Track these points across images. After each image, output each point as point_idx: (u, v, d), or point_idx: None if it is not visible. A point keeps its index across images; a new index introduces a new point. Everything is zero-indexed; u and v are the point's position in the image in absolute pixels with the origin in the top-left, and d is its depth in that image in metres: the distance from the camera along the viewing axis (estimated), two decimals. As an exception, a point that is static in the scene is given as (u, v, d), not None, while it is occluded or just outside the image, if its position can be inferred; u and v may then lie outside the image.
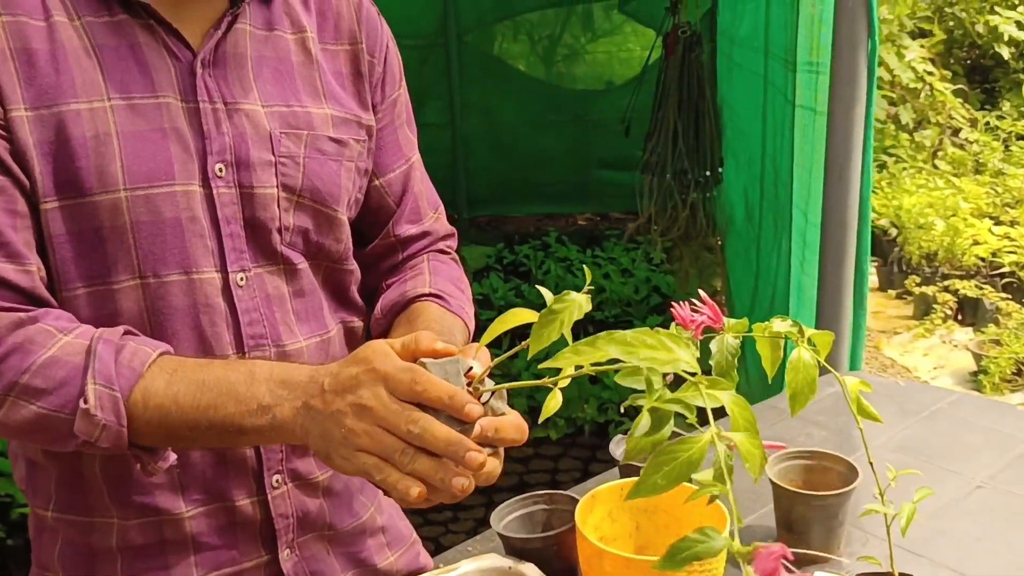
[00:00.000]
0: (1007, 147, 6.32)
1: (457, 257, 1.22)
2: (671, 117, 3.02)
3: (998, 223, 5.01)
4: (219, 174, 0.96)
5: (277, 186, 0.99)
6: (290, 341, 1.04)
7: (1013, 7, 7.20)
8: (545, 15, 5.88)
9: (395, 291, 1.14)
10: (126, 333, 0.89)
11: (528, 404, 3.61)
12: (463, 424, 0.83)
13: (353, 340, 1.15)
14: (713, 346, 1.04)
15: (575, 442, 3.48)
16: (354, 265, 1.12)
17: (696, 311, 1.04)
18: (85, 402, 0.84)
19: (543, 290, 0.79)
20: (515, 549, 1.22)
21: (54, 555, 1.03)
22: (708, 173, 3.11)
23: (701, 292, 1.02)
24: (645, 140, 3.18)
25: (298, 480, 1.08)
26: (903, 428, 1.62)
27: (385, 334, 1.14)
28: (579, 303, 0.77)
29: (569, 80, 5.86)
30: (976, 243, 4.62)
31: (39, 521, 1.04)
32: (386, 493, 0.84)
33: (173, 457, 0.92)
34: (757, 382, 3.34)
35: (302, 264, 1.04)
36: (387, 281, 1.17)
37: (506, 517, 1.25)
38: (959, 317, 4.31)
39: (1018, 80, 7.06)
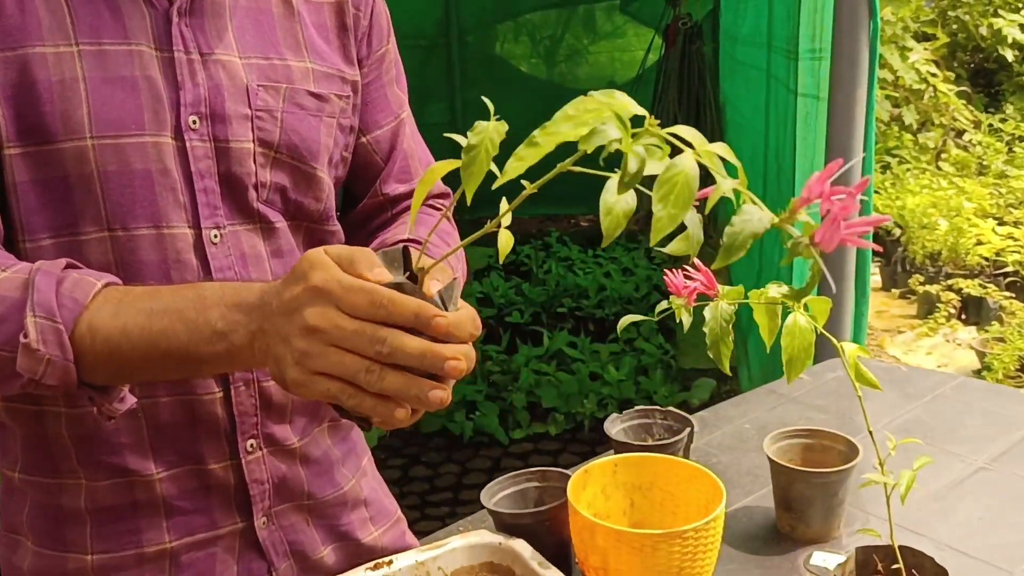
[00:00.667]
0: (1011, 149, 6.30)
1: (451, 217, 1.19)
2: (671, 109, 3.00)
3: (1001, 223, 4.99)
4: (193, 126, 0.94)
5: (253, 140, 0.97)
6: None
7: (1016, 10, 7.18)
8: (547, 16, 5.87)
9: (375, 240, 1.12)
10: (68, 267, 0.85)
11: (528, 400, 3.59)
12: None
13: None
14: (707, 313, 1.02)
15: (575, 437, 3.45)
16: (336, 227, 1.09)
17: (689, 277, 1.02)
18: (25, 336, 0.79)
19: (456, 137, 0.70)
20: (506, 525, 1.19)
21: (23, 518, 1.01)
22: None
23: (695, 260, 1.00)
24: (645, 134, 3.16)
25: (273, 446, 1.05)
26: (905, 411, 1.59)
27: None
28: (493, 128, 0.68)
29: (571, 80, 5.85)
30: (980, 243, 4.60)
31: (7, 483, 1.02)
32: (362, 425, 0.80)
33: (131, 399, 0.87)
34: (759, 374, 3.32)
35: (280, 223, 1.02)
36: (373, 236, 1.15)
37: (497, 494, 1.22)
38: (963, 316, 4.29)
39: (1021, 83, 7.04)
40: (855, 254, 1.90)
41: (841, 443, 1.28)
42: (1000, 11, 7.11)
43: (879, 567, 1.03)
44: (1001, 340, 3.71)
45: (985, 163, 6.20)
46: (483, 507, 1.20)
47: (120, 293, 0.84)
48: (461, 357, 0.75)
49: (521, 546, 1.11)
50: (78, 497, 0.98)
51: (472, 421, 3.42)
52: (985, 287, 4.18)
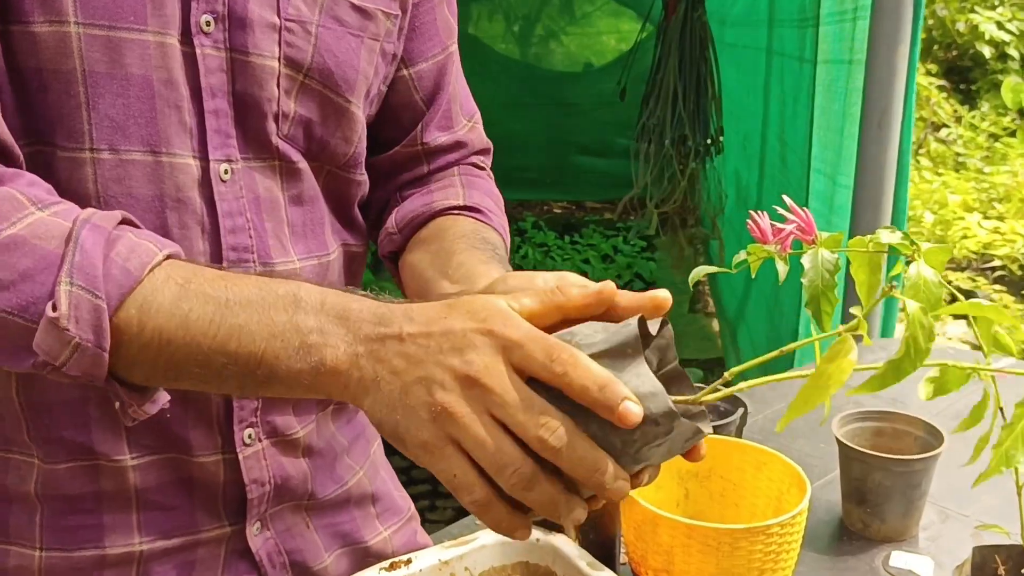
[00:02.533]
0: (994, 143, 6.27)
1: (491, 175, 1.01)
2: (671, 78, 2.84)
3: (986, 218, 4.92)
4: (205, 28, 0.74)
5: (279, 58, 0.78)
6: (281, 259, 0.82)
7: (993, 7, 7.16)
8: (523, -6, 5.70)
9: (417, 201, 0.92)
10: (124, 222, 0.66)
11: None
12: (614, 430, 0.57)
13: (354, 268, 0.93)
14: (806, 262, 0.85)
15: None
16: (364, 176, 0.90)
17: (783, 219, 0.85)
18: (55, 308, 0.60)
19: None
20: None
21: None
22: (709, 141, 2.94)
23: (787, 198, 0.83)
24: (643, 103, 3.00)
25: (274, 436, 0.86)
26: (962, 396, 1.44)
27: (397, 255, 0.92)
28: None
29: (546, 63, 5.68)
30: (966, 236, 4.51)
31: None
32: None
33: (165, 398, 0.68)
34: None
35: (302, 164, 0.83)
36: (402, 193, 0.95)
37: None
38: (952, 309, 4.19)
39: (996, 81, 7.01)
40: (889, 217, 1.75)
41: (918, 427, 1.12)
42: (977, 8, 7.08)
43: (1001, 570, 0.86)
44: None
45: (962, 158, 6.15)
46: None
47: (187, 271, 0.65)
48: (628, 479, 0.59)
49: (563, 542, 0.93)
50: (27, 478, 0.78)
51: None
52: (975, 280, 4.09)
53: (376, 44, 0.85)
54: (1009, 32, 6.92)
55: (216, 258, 0.78)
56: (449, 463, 0.58)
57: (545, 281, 0.67)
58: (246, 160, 0.78)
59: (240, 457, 0.83)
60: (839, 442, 1.09)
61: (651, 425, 0.58)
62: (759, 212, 0.88)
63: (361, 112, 0.85)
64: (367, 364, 0.60)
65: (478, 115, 1.00)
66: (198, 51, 0.74)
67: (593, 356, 0.58)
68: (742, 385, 0.65)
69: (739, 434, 1.19)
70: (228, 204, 0.78)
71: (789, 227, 0.84)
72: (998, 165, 5.96)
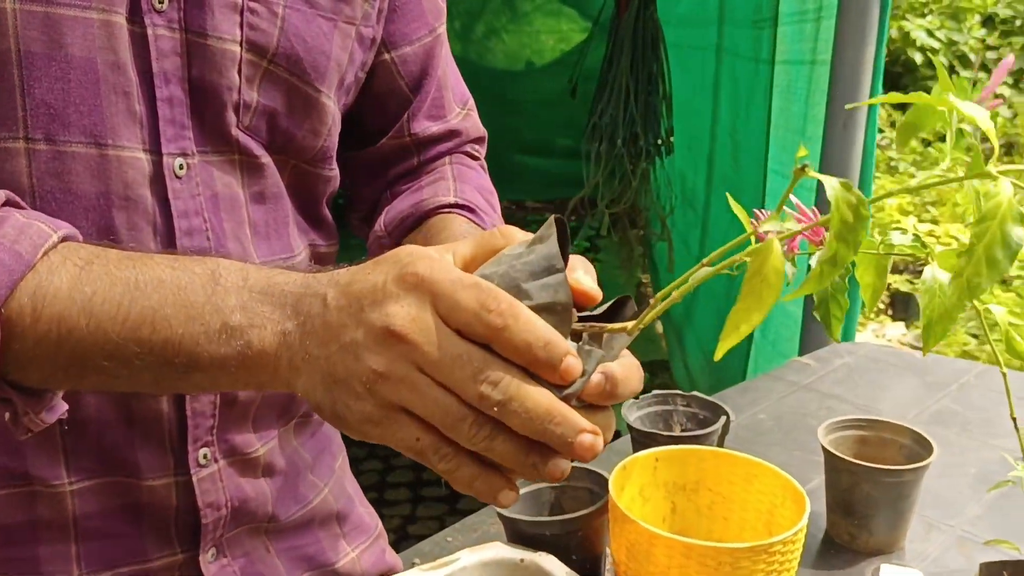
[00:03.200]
0: (926, 147, 6.39)
1: (485, 165, 0.94)
2: (623, 77, 2.80)
3: (920, 221, 5.01)
4: (158, 6, 0.67)
5: (241, 41, 0.70)
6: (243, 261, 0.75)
7: (922, 15, 7.31)
8: (464, -9, 5.62)
9: (406, 200, 0.85)
10: (7, 203, 0.59)
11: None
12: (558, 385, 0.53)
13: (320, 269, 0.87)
14: (814, 263, 0.81)
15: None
16: (334, 171, 0.83)
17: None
18: None
19: None
20: (523, 537, 0.95)
21: None
22: (659, 141, 2.91)
23: (793, 198, 0.78)
24: (593, 102, 2.95)
25: (232, 456, 0.79)
26: (934, 401, 1.42)
27: None
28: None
29: (488, 60, 5.60)
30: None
31: None
32: (446, 484, 0.55)
33: (63, 406, 0.61)
34: (698, 368, 3.17)
35: (264, 158, 0.75)
36: (393, 190, 0.88)
37: (510, 496, 0.99)
38: (891, 311, 4.25)
39: (928, 87, 7.15)
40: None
41: (904, 435, 1.09)
42: (908, 15, 7.22)
43: (1008, 588, 0.83)
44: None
45: (895, 162, 6.27)
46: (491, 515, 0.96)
47: (88, 252, 0.57)
48: (599, 431, 0.52)
49: (549, 562, 0.88)
50: None
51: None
52: (912, 283, 4.15)
53: (352, 28, 0.78)
54: (938, 40, 7.07)
55: None
56: (404, 431, 0.52)
57: None
58: (203, 154, 0.71)
59: (194, 479, 0.76)
60: (826, 452, 1.05)
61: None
62: (762, 211, 0.84)
63: (333, 103, 0.78)
64: (295, 341, 0.53)
65: (472, 101, 0.93)
66: (149, 31, 0.66)
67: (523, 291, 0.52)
68: (669, 301, 0.57)
69: (721, 443, 1.15)
70: (183, 203, 0.70)
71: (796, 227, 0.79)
72: (929, 169, 6.07)
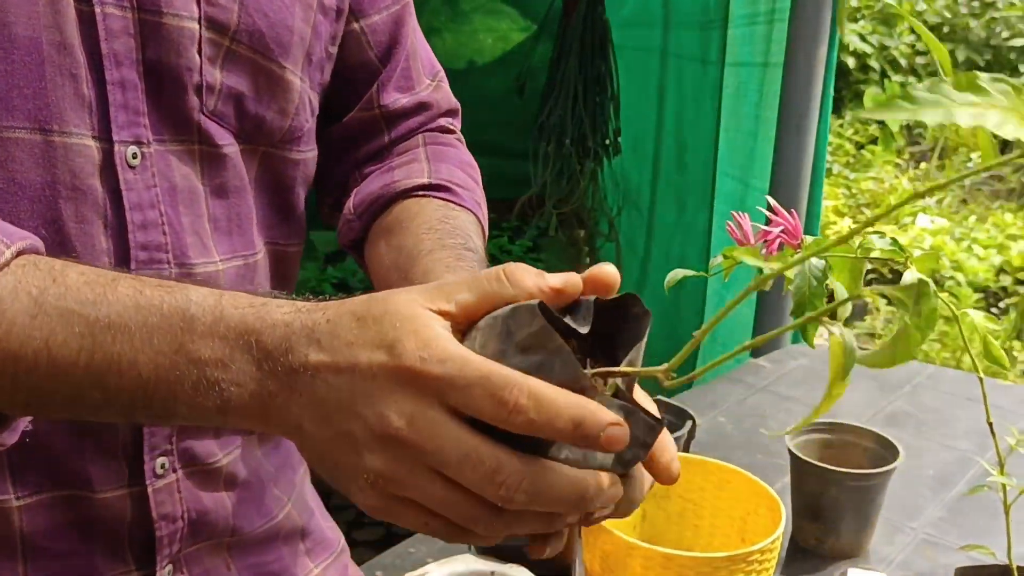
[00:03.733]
0: (858, 150, 6.52)
1: (463, 138, 0.90)
2: (572, 82, 2.79)
3: (855, 222, 5.10)
4: None
5: (199, 19, 0.66)
6: (201, 259, 0.70)
7: (855, 20, 7.46)
8: (405, -10, 5.57)
9: (376, 181, 0.81)
10: None
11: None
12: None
13: (284, 270, 0.82)
14: (792, 269, 0.80)
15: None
16: (304, 154, 0.78)
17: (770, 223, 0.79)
18: None
19: None
20: (491, 548, 0.93)
21: None
22: (607, 142, 2.90)
23: (770, 199, 0.77)
24: (542, 102, 2.94)
25: (192, 466, 0.74)
26: (888, 403, 1.43)
27: (359, 244, 0.81)
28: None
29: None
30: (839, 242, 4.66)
31: None
32: None
33: (23, 422, 0.56)
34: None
35: (230, 147, 0.70)
36: (362, 171, 0.84)
37: (478, 506, 0.96)
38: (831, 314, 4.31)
39: (859, 91, 7.30)
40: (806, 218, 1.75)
41: (868, 439, 1.09)
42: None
43: (982, 592, 0.83)
44: (871, 335, 3.73)
45: (829, 164, 6.38)
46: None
47: (42, 276, 0.51)
48: (616, 501, 0.49)
49: (520, 574, 0.86)
50: None
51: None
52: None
53: None
54: (870, 44, 7.23)
55: (123, 258, 0.65)
56: (413, 518, 0.48)
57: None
58: (160, 142, 0.66)
59: (149, 490, 0.71)
60: (793, 456, 1.05)
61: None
62: (740, 214, 0.82)
63: (299, 80, 0.74)
64: (283, 402, 0.48)
65: (442, 73, 0.89)
66: (97, 10, 0.62)
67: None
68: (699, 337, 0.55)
69: (687, 448, 1.14)
70: (137, 195, 0.65)
71: (776, 230, 0.78)
72: (862, 172, 6.20)
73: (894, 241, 0.82)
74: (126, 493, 0.70)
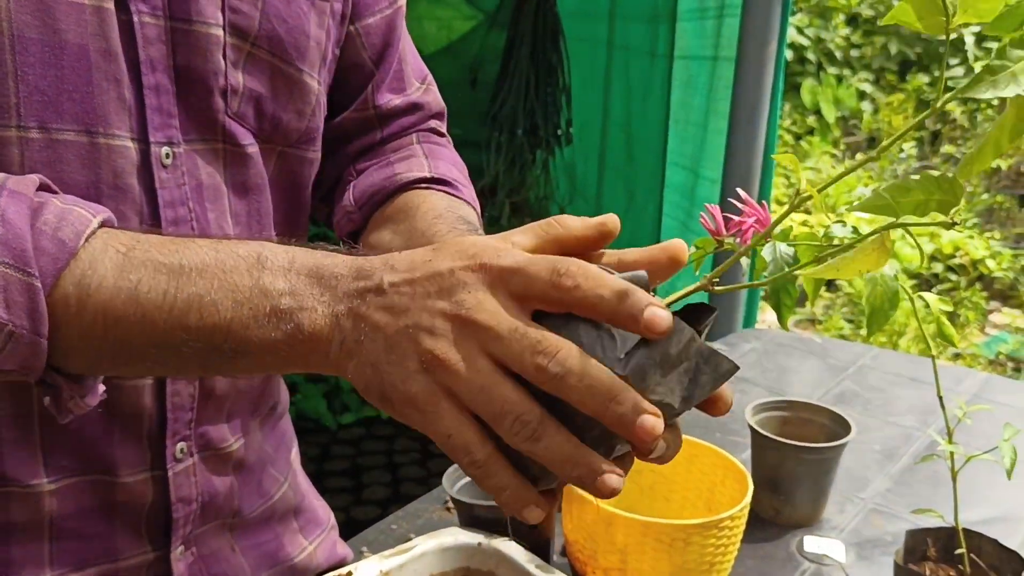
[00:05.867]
0: (796, 141, 6.68)
1: (451, 141, 0.94)
2: (525, 70, 2.83)
3: (796, 212, 5.23)
4: None
5: (224, 26, 0.69)
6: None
7: (792, 13, 7.62)
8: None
9: (376, 174, 0.84)
10: (41, 187, 0.56)
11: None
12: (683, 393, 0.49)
13: None
14: (766, 255, 0.86)
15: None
16: (317, 153, 0.82)
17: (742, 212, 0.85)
18: None
19: None
20: (478, 520, 0.98)
21: None
22: (559, 132, 2.95)
23: (741, 191, 0.82)
24: (494, 92, 2.98)
25: (207, 450, 0.78)
26: (836, 383, 1.51)
27: (357, 234, 0.85)
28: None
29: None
30: (780, 229, 4.80)
31: None
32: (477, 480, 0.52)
33: (101, 389, 0.59)
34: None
35: (251, 147, 0.74)
36: (357, 166, 0.87)
37: (461, 479, 1.01)
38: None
39: (796, 83, 7.47)
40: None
41: (824, 416, 1.16)
42: (778, 13, 7.51)
43: (930, 551, 0.90)
44: (812, 321, 3.85)
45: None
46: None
47: (128, 237, 0.55)
48: (660, 415, 0.48)
49: (509, 547, 0.90)
50: None
51: (294, 405, 3.11)
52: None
53: (326, 5, 0.78)
54: (807, 37, 7.39)
55: None
56: (443, 419, 0.50)
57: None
58: (189, 143, 0.70)
59: (170, 474, 0.75)
60: (753, 432, 1.11)
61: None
62: (712, 205, 0.88)
63: (315, 82, 0.78)
64: (348, 324, 0.52)
65: (430, 77, 0.93)
66: (135, 18, 0.65)
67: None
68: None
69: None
70: (169, 192, 0.69)
71: (749, 220, 0.84)
72: (801, 162, 6.36)
73: (855, 229, 0.89)
74: (148, 477, 0.73)
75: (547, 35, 2.86)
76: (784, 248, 0.86)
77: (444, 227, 0.74)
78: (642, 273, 0.52)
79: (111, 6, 0.63)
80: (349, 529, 1.06)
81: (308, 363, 0.54)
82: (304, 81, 0.76)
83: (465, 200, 0.82)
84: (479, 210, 0.85)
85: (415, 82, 0.90)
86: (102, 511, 0.72)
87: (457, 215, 0.76)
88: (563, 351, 0.48)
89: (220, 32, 0.69)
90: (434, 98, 0.92)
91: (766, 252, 0.85)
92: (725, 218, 0.80)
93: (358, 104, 0.86)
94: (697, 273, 0.86)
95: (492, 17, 3.11)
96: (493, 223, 3.94)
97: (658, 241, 0.58)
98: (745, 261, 0.86)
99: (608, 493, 0.49)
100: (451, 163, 0.87)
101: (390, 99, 0.87)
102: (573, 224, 0.54)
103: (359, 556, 1.06)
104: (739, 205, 0.83)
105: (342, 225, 0.84)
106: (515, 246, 0.53)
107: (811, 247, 0.90)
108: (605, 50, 3.11)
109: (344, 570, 0.86)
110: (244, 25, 0.70)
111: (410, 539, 0.97)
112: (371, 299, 0.52)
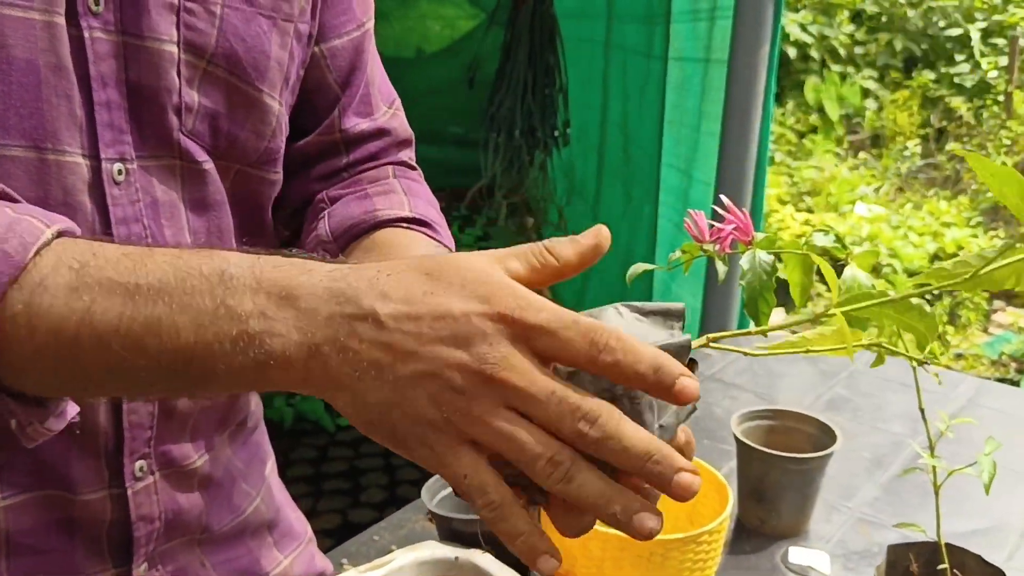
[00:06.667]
0: (799, 139, 6.65)
1: (422, 174, 0.93)
2: (522, 73, 2.82)
3: (797, 210, 5.22)
4: (94, 8, 0.64)
5: (179, 42, 0.68)
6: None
7: (796, 10, 7.59)
8: (351, -27, 5.53)
9: (355, 207, 0.82)
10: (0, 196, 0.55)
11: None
12: (661, 422, 0.51)
13: None
14: (744, 263, 0.85)
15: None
16: (278, 175, 0.80)
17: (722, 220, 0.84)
18: None
19: None
20: (455, 534, 0.97)
21: None
22: (556, 132, 2.94)
23: (724, 198, 0.81)
24: (492, 93, 2.97)
25: (169, 467, 0.77)
26: (827, 389, 1.50)
27: None
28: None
29: (378, 44, 5.54)
30: (783, 228, 4.77)
31: None
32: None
33: (72, 411, 0.57)
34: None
35: (208, 163, 0.73)
36: (330, 193, 0.86)
37: (440, 492, 1.00)
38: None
39: (799, 80, 7.44)
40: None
41: (810, 425, 1.15)
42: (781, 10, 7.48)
43: (913, 567, 0.89)
44: (813, 322, 3.83)
45: (771, 153, 6.49)
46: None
47: (83, 250, 0.52)
48: (697, 471, 0.49)
49: (485, 560, 0.89)
50: None
51: (292, 407, 3.10)
52: (791, 270, 4.31)
53: (290, 26, 0.77)
54: (811, 35, 7.36)
55: None
56: (460, 463, 0.48)
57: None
58: (142, 159, 0.69)
59: (129, 492, 0.74)
60: (738, 441, 1.10)
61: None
62: (696, 212, 0.87)
63: (276, 103, 0.77)
64: (333, 354, 0.48)
65: (399, 102, 0.92)
66: (86, 34, 0.64)
67: None
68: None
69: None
70: (122, 209, 0.68)
71: (728, 227, 0.83)
72: (804, 160, 6.33)
73: (837, 238, 0.87)
74: (107, 495, 0.72)
75: (544, 36, 2.85)
76: (763, 256, 0.85)
77: None
78: (687, 337, 0.52)
79: (62, 21, 0.62)
80: (346, 531, 1.06)
81: (287, 387, 0.51)
82: (264, 101, 0.75)
83: (444, 245, 0.82)
84: (453, 249, 0.84)
85: (383, 106, 0.89)
86: (60, 527, 0.72)
87: None
88: (603, 416, 0.47)
89: (174, 49, 0.68)
90: (401, 124, 0.91)
91: (744, 260, 0.84)
92: (709, 224, 0.79)
93: (323, 128, 0.84)
94: (687, 274, 0.85)
95: (491, 15, 3.10)
96: (491, 223, 3.93)
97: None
98: (723, 269, 0.85)
99: (646, 534, 0.48)
100: (428, 202, 0.86)
101: (356, 123, 0.85)
102: (566, 253, 0.53)
103: (340, 569, 1.05)
104: (722, 213, 0.82)
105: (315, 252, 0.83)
106: (508, 273, 0.51)
107: (795, 255, 0.89)
108: (603, 50, 3.10)
109: (319, 585, 0.85)
110: (199, 43, 0.69)
111: (391, 551, 0.96)
112: (364, 331, 0.49)
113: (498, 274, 0.50)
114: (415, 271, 0.50)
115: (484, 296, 0.48)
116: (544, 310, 0.49)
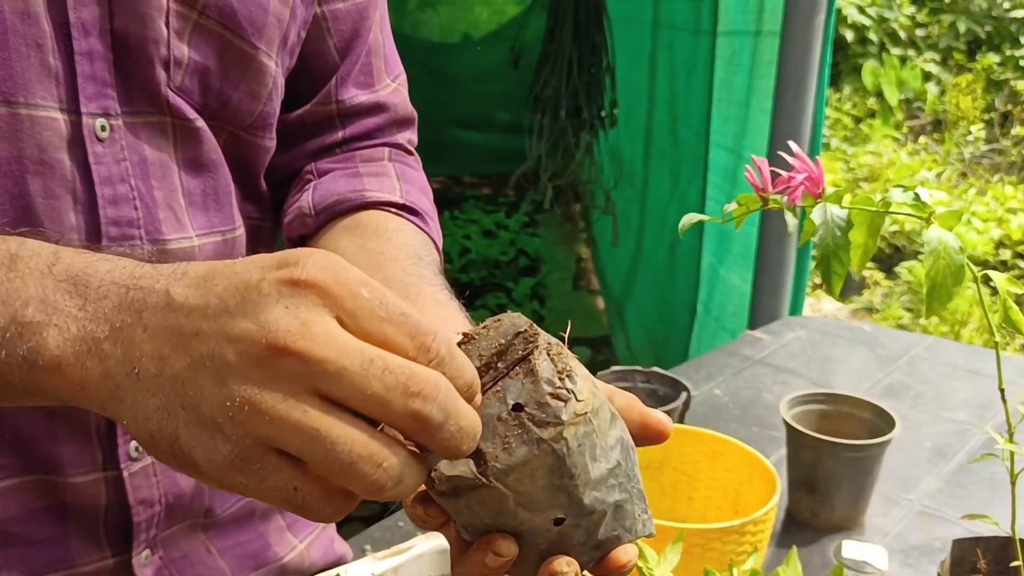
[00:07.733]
0: (856, 124, 6.48)
1: (419, 158, 0.87)
2: (567, 48, 2.75)
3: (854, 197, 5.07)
4: None
5: None
6: (176, 235, 0.67)
7: (852, -10, 7.40)
8: (399, -42, 5.51)
9: (342, 183, 0.77)
10: None
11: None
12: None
13: (258, 244, 0.79)
14: (816, 217, 0.77)
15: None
16: (272, 141, 0.75)
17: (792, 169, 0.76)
18: None
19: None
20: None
21: None
22: (603, 113, 2.87)
23: (792, 144, 0.73)
24: (536, 73, 2.90)
25: None
26: (885, 374, 1.41)
27: (305, 239, 0.78)
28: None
29: (424, 32, 5.49)
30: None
31: None
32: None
33: None
34: (640, 345, 3.16)
35: (199, 122, 0.68)
36: (319, 165, 0.80)
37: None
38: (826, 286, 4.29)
39: (856, 64, 7.25)
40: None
41: (865, 409, 1.07)
42: (839, -8, 7.30)
43: (981, 563, 0.81)
44: (869, 310, 3.71)
45: (827, 139, 6.33)
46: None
47: None
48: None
49: (510, 548, 0.83)
50: None
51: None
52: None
53: None
54: (869, 17, 7.16)
55: (93, 234, 0.63)
56: (276, 478, 0.39)
57: None
58: (128, 115, 0.64)
59: (125, 474, 0.69)
60: (788, 427, 1.03)
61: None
62: (759, 158, 0.79)
63: (273, 63, 0.71)
64: (112, 351, 0.40)
65: (403, 77, 0.86)
66: None
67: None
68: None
69: (682, 420, 1.12)
70: (107, 168, 0.63)
71: (799, 176, 0.74)
72: (861, 146, 6.16)
73: (916, 196, 0.78)
74: (100, 477, 0.68)
75: (590, 14, 2.77)
76: (836, 210, 0.77)
77: (413, 269, 0.69)
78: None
79: None
80: (359, 521, 1.01)
81: (59, 396, 0.43)
82: (259, 60, 0.69)
83: (432, 237, 0.77)
84: (440, 244, 0.79)
85: (386, 79, 0.82)
86: (52, 514, 0.67)
87: (431, 258, 0.71)
88: (442, 391, 0.38)
89: None
90: (402, 101, 0.85)
91: (816, 214, 0.76)
92: (773, 174, 0.71)
93: (320, 97, 0.78)
94: (737, 230, 0.78)
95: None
96: (537, 208, 3.86)
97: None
98: (793, 222, 0.76)
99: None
100: (420, 189, 0.80)
101: (355, 95, 0.80)
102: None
103: (361, 554, 1.00)
104: (789, 159, 0.74)
105: (293, 227, 0.78)
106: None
107: (864, 212, 0.80)
108: (650, 29, 3.01)
109: (333, 572, 0.80)
110: None
111: (416, 536, 0.91)
112: (150, 317, 0.40)
113: (330, 258, 0.40)
114: (237, 259, 0.42)
115: (291, 262, 0.39)
116: (368, 285, 0.40)
